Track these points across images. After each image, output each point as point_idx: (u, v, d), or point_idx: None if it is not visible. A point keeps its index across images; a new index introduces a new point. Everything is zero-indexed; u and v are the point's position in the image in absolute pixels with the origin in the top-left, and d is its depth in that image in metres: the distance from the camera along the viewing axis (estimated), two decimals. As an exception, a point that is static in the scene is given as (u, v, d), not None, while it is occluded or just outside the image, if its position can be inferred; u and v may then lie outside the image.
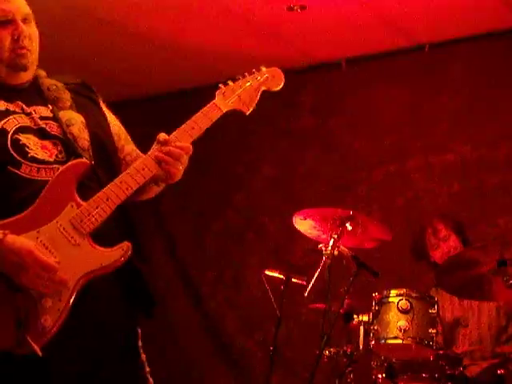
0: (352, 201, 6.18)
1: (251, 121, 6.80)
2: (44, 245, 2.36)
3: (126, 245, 2.43)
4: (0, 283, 2.32)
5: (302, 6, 5.60)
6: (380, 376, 4.36)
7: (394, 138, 6.32)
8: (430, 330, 4.25)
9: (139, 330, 2.64)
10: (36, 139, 2.49)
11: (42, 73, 2.69)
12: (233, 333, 6.74)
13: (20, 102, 2.54)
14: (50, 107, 2.57)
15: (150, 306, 2.61)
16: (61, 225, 2.40)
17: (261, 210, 6.79)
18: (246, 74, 2.72)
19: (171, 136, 2.51)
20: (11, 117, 2.50)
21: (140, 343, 2.63)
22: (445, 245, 5.03)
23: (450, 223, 5.11)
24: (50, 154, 2.49)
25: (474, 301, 4.89)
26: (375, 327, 4.32)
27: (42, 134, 2.51)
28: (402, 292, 4.34)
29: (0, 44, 2.54)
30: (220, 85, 2.66)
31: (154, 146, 2.52)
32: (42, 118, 2.54)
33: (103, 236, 2.43)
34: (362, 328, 4.46)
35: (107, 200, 2.42)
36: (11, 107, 2.53)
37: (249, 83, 2.69)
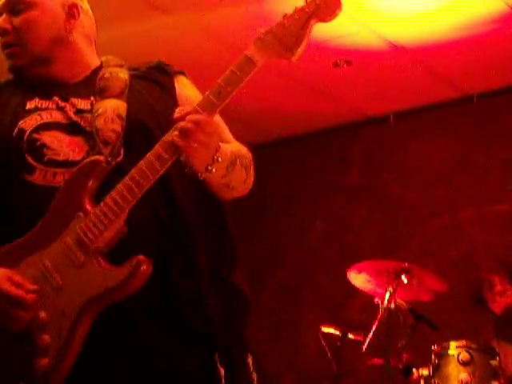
0: (405, 253, 6.12)
1: (302, 176, 6.91)
2: (45, 269, 2.01)
3: (137, 259, 1.95)
4: None
5: (348, 61, 5.64)
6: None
7: (446, 189, 6.29)
8: (492, 383, 4.16)
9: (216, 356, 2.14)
10: (63, 136, 2.13)
11: (112, 61, 2.35)
12: (290, 391, 6.68)
13: (57, 97, 2.20)
14: (92, 98, 2.21)
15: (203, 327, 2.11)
16: (65, 242, 2.01)
17: (315, 265, 6.76)
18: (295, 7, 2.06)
19: (194, 108, 2.00)
20: (35, 114, 2.18)
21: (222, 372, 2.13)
22: (502, 299, 4.96)
23: (506, 276, 5.04)
24: (79, 151, 2.12)
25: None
26: (436, 381, 4.25)
27: (72, 129, 2.15)
28: (461, 344, 4.27)
29: None
30: (260, 30, 2.07)
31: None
32: (78, 112, 2.18)
33: (128, 251, 1.98)
34: (422, 382, 4.38)
35: (115, 204, 2.00)
36: (43, 104, 2.21)
37: (293, 19, 2.03)
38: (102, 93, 2.21)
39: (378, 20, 5.07)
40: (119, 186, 1.99)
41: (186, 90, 2.30)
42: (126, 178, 1.99)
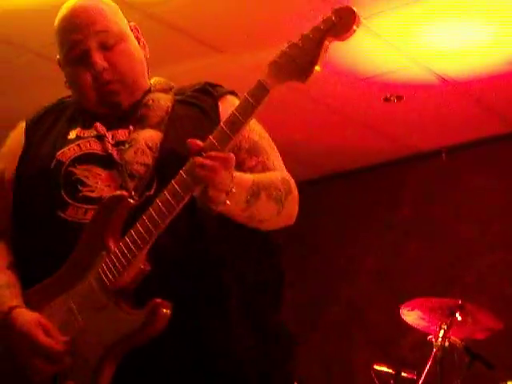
0: (459, 290, 6.04)
1: (353, 212, 6.87)
2: (70, 311, 1.96)
3: (155, 302, 1.85)
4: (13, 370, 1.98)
5: (399, 96, 5.62)
6: None
7: (500, 224, 6.20)
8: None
9: None
10: (99, 170, 2.07)
11: (159, 84, 2.28)
12: (343, 430, 6.60)
13: (100, 125, 2.14)
14: (131, 128, 2.14)
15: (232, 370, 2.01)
16: (89, 282, 1.94)
17: (366, 302, 6.70)
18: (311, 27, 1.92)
19: (207, 141, 1.87)
20: (73, 144, 2.12)
21: None
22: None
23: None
24: (114, 186, 2.04)
25: None
26: (492, 421, 4.17)
27: (108, 162, 2.07)
28: (518, 383, 4.19)
29: (81, 85, 2.17)
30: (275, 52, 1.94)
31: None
32: (117, 144, 2.11)
33: (152, 291, 1.89)
34: (477, 422, 4.30)
35: (133, 244, 1.91)
36: (85, 133, 2.15)
37: (308, 39, 1.88)
38: (141, 122, 2.14)
39: (429, 54, 5.05)
40: (137, 225, 1.90)
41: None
42: (144, 216, 1.90)
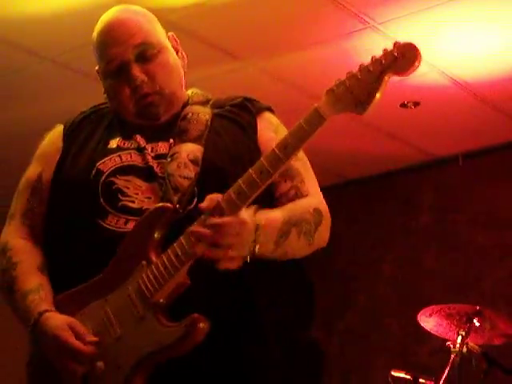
0: (476, 297, 6.02)
1: (370, 219, 6.86)
2: (106, 317, 1.98)
3: (192, 317, 1.87)
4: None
5: (416, 102, 5.61)
6: None
7: (517, 231, 6.18)
8: None
9: None
10: (140, 182, 2.08)
11: (197, 96, 2.29)
12: None
13: (140, 137, 2.16)
14: (172, 141, 2.14)
15: None
16: (127, 291, 1.96)
17: (384, 309, 6.68)
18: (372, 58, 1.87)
19: (225, 195, 1.88)
20: (115, 155, 2.13)
21: None
22: None
23: None
24: (155, 199, 2.04)
25: None
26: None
27: (149, 174, 2.08)
28: (536, 389, 4.17)
29: (120, 98, 2.19)
30: (334, 82, 1.90)
31: None
32: (157, 157, 2.12)
33: (190, 307, 1.90)
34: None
35: (175, 257, 1.91)
36: (126, 144, 2.17)
37: (368, 72, 1.84)
38: (181, 135, 2.14)
39: (446, 60, 5.04)
40: (181, 239, 1.91)
41: (269, 130, 2.20)
42: (187, 230, 1.90)
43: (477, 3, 4.42)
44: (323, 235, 2.14)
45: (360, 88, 1.84)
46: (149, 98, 2.16)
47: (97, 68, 2.26)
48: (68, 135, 2.25)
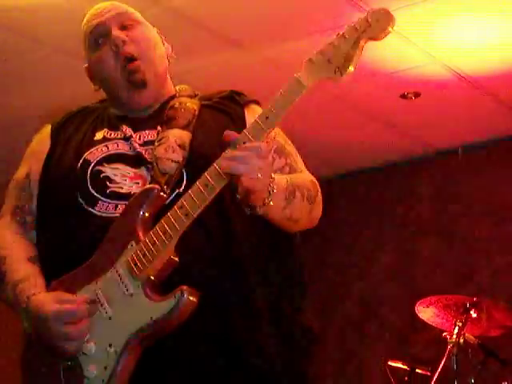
0: (474, 288, 6.04)
1: (369, 209, 6.87)
2: (98, 298, 1.99)
3: (181, 289, 1.89)
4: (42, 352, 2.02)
5: (416, 93, 5.61)
6: None
7: (516, 223, 6.19)
8: None
9: None
10: (128, 168, 2.13)
11: (185, 91, 2.33)
12: (356, 427, 6.61)
13: (125, 127, 2.20)
14: (159, 128, 2.19)
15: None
16: (117, 271, 1.98)
17: (381, 299, 6.70)
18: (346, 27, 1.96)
19: (242, 133, 1.92)
20: (101, 145, 2.18)
21: None
22: None
23: None
24: (143, 183, 2.09)
25: None
26: (506, 418, 4.17)
27: (137, 161, 2.13)
28: (533, 380, 4.19)
29: (107, 66, 2.22)
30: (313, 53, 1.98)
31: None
32: (145, 144, 2.16)
33: (180, 284, 1.91)
34: (491, 419, 4.30)
35: (163, 233, 1.94)
36: (112, 134, 2.21)
37: (344, 39, 1.93)
38: (169, 123, 2.18)
39: (446, 51, 5.04)
40: (168, 215, 1.94)
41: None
42: (175, 206, 1.94)
43: (478, -6, 4.44)
44: (319, 209, 2.19)
45: (337, 55, 1.92)
46: (134, 63, 2.19)
47: (85, 65, 2.32)
48: (55, 132, 2.30)
